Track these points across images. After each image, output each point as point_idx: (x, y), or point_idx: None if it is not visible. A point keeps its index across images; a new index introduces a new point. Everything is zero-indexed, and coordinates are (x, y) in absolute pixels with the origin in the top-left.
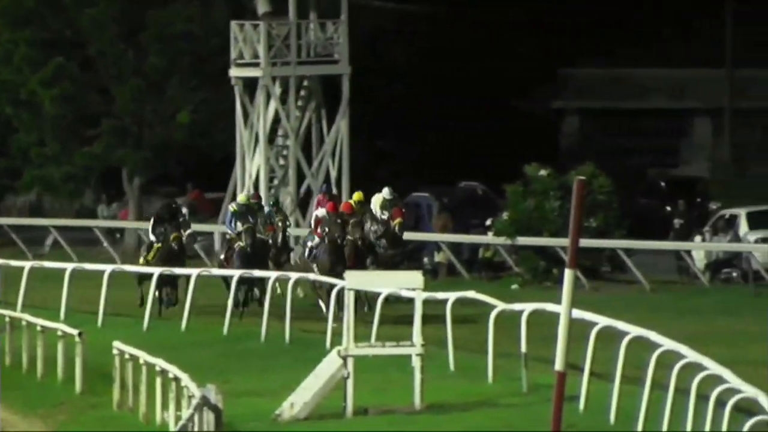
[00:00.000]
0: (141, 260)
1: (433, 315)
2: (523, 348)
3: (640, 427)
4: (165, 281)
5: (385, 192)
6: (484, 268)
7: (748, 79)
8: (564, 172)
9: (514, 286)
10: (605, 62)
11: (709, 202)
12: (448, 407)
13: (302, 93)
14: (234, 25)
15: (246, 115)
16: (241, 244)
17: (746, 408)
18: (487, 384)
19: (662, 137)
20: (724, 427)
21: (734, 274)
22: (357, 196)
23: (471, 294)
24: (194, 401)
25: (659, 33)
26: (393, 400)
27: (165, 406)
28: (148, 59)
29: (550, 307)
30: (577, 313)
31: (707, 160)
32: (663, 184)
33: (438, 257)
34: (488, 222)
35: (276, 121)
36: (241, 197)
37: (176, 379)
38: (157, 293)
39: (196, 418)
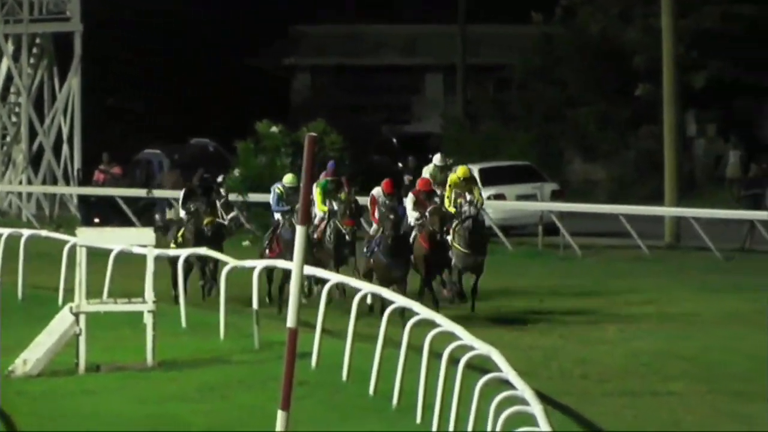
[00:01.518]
0: (172, 244)
1: (164, 272)
2: (255, 305)
3: (372, 384)
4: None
5: (437, 158)
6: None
7: (480, 35)
8: (295, 129)
9: (246, 243)
10: (337, 19)
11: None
12: (180, 363)
13: (35, 50)
14: None
15: None
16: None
17: (479, 365)
18: (219, 340)
19: (395, 94)
20: (457, 384)
21: None
22: (462, 171)
23: (202, 251)
24: None
25: None
26: (125, 356)
27: None
28: None
29: (281, 263)
30: (310, 269)
31: (440, 117)
32: (395, 140)
33: (169, 214)
34: (220, 179)
35: (9, 78)
36: (288, 177)
37: None
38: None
39: None
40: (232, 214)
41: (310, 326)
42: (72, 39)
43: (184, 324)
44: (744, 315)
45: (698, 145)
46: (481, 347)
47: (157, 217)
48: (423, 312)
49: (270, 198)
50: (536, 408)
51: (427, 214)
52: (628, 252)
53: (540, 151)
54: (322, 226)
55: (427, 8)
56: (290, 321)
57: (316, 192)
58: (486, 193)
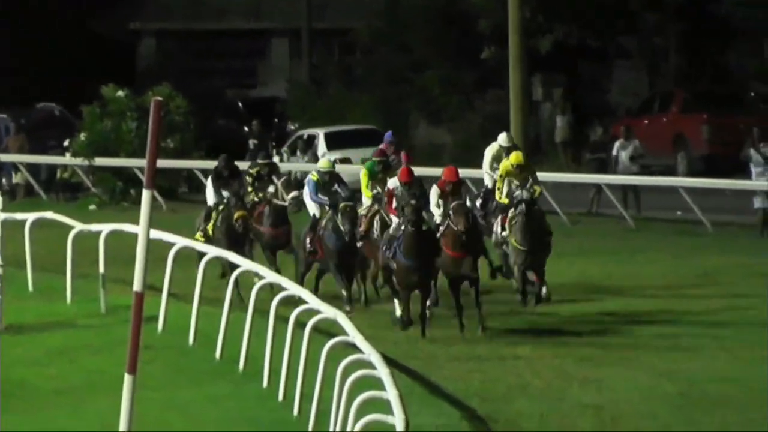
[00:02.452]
0: (198, 234)
1: (11, 236)
2: (102, 269)
3: (219, 348)
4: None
5: (502, 138)
6: (61, 188)
7: (324, 0)
8: (141, 94)
9: (92, 207)
10: None
11: (287, 123)
12: (27, 327)
13: None
14: None
15: None
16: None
17: (326, 329)
18: (66, 304)
19: (240, 58)
20: (304, 347)
21: None
22: (515, 157)
23: (49, 215)
24: None
25: None
26: None
27: None
28: None
29: (128, 227)
30: (155, 234)
31: (285, 81)
32: (240, 105)
33: (16, 178)
34: (66, 143)
35: None
36: (323, 162)
37: None
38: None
39: None
40: (293, 194)
41: (156, 290)
42: None
43: (31, 288)
44: (592, 278)
45: (544, 109)
46: (328, 311)
47: (3, 181)
48: (269, 276)
49: (306, 189)
50: (383, 371)
51: (450, 211)
52: None
53: (385, 115)
54: (369, 215)
55: None
56: (136, 285)
57: (362, 175)
58: (332, 156)
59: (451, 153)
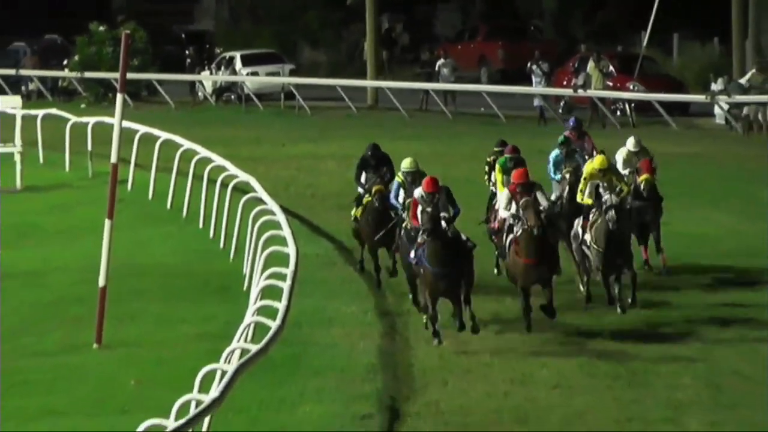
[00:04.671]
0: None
1: (28, 126)
2: (89, 147)
3: (169, 201)
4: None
5: (630, 143)
6: (62, 93)
7: None
8: (115, 28)
9: (83, 106)
10: None
11: (215, 48)
12: (38, 188)
13: None
14: None
15: None
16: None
17: (242, 188)
18: (65, 172)
19: (183, 2)
20: (227, 202)
21: (232, 97)
22: (600, 161)
23: (53, 111)
24: None
25: None
26: (3, 183)
27: None
28: None
29: (107, 119)
30: (125, 124)
31: (213, 18)
32: (183, 35)
33: (31, 86)
34: (65, 62)
35: None
36: (406, 162)
37: None
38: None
39: None
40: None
41: (126, 162)
42: None
43: (41, 161)
44: (421, 155)
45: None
46: (242, 175)
47: (23, 88)
48: (202, 152)
49: (392, 191)
50: (281, 217)
51: (520, 209)
52: (342, 111)
53: (280, 42)
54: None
55: None
56: (113, 158)
57: (496, 171)
58: (245, 71)
59: (326, 68)
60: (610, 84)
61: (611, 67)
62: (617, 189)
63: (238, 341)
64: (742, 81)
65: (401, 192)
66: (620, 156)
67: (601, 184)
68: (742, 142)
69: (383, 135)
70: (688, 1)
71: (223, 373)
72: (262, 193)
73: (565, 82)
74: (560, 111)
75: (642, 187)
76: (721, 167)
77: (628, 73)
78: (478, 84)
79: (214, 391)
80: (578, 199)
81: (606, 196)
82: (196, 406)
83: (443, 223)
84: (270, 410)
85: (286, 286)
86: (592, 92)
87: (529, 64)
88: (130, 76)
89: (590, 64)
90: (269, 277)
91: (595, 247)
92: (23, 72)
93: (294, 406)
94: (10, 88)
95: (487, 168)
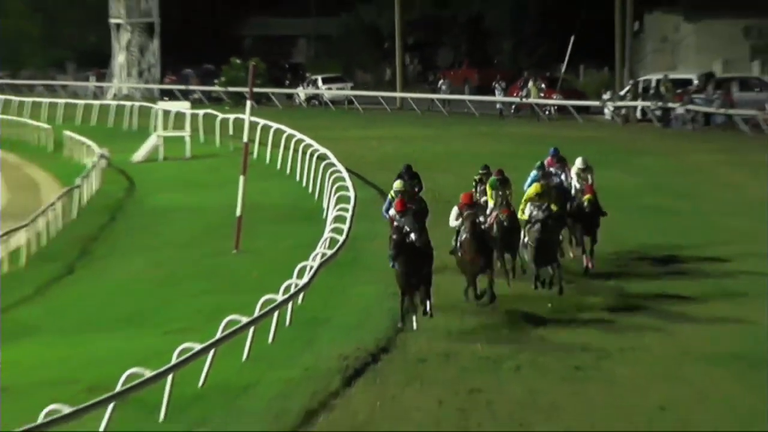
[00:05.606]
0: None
1: (195, 119)
2: (230, 132)
3: (278, 164)
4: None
5: (579, 162)
6: (214, 100)
7: None
8: (246, 61)
9: (227, 108)
10: None
11: (306, 73)
12: (200, 157)
13: None
14: None
15: None
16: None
17: (321, 156)
18: (216, 147)
19: (285, 45)
20: (313, 165)
21: (316, 103)
22: (535, 188)
23: (209, 111)
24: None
25: None
26: (177, 153)
27: None
28: None
29: (241, 116)
30: (252, 118)
31: (305, 55)
32: (286, 65)
33: (195, 96)
34: (216, 81)
35: None
36: (397, 183)
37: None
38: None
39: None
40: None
41: (252, 141)
42: None
43: (201, 141)
44: (431, 137)
45: None
46: (321, 149)
47: (190, 97)
48: (298, 135)
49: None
50: (345, 174)
51: (464, 221)
52: (381, 111)
53: (345, 70)
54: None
55: None
56: (245, 138)
57: (488, 187)
58: (323, 87)
59: (371, 85)
60: (542, 95)
61: (543, 85)
62: (544, 207)
63: (320, 248)
64: (621, 93)
65: (392, 206)
66: (574, 173)
67: (535, 204)
68: (621, 130)
69: (405, 125)
70: (590, 43)
71: (311, 267)
72: (333, 159)
73: (515, 94)
74: (512, 111)
75: (585, 204)
76: (609, 145)
77: (553, 88)
78: (463, 95)
79: (306, 278)
80: (518, 215)
81: (535, 213)
82: (295, 287)
83: (412, 236)
84: (336, 292)
85: (348, 215)
86: (531, 100)
87: (493, 83)
88: (255, 90)
89: (530, 83)
90: (338, 210)
91: (531, 245)
92: (191, 87)
93: (352, 287)
94: (183, 97)
95: (474, 183)
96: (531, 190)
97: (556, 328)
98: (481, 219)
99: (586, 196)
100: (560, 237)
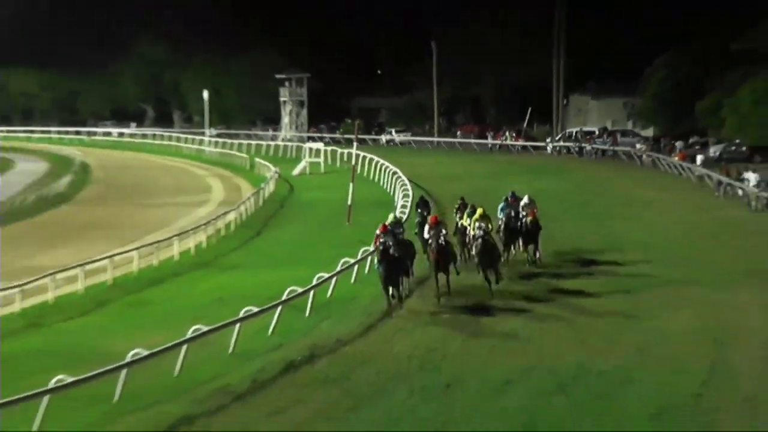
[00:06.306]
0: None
1: (324, 154)
2: (346, 160)
3: (371, 176)
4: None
5: (526, 198)
6: (335, 143)
7: None
8: (354, 121)
9: (343, 145)
10: None
11: (384, 126)
12: (326, 173)
13: None
14: None
15: None
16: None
17: (393, 172)
18: (336, 167)
19: (372, 117)
20: (389, 177)
21: (391, 143)
22: (479, 212)
23: (333, 147)
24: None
25: None
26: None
27: None
28: None
29: (352, 150)
30: (357, 151)
31: (385, 118)
32: (377, 124)
33: (325, 141)
34: (337, 132)
35: None
36: (390, 216)
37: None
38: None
39: None
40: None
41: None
42: None
43: (329, 164)
44: (451, 163)
45: None
46: (393, 167)
47: (321, 142)
48: (379, 159)
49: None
50: (407, 182)
51: (432, 234)
52: (425, 147)
53: (406, 124)
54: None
55: None
56: (353, 162)
57: (472, 218)
58: (396, 134)
59: (418, 133)
60: (513, 139)
61: (513, 134)
62: (486, 227)
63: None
64: (556, 138)
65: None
66: (524, 203)
67: (480, 224)
68: (556, 158)
69: (439, 156)
70: (539, 111)
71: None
72: (400, 173)
73: (499, 139)
74: (497, 148)
75: (528, 222)
76: (550, 166)
77: (519, 135)
78: (470, 139)
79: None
80: (470, 231)
81: (478, 232)
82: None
83: (391, 249)
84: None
85: (408, 204)
86: (507, 142)
87: (486, 133)
88: (358, 136)
89: (507, 133)
90: (403, 200)
91: (474, 255)
92: (324, 135)
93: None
94: (319, 140)
95: (455, 210)
96: (477, 213)
97: (488, 314)
98: (443, 233)
99: (530, 218)
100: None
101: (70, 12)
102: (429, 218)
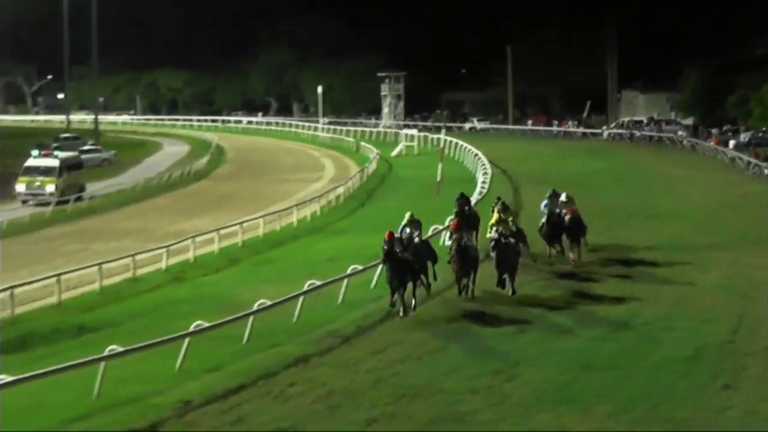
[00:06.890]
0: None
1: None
2: (436, 144)
3: (455, 156)
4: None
5: (563, 196)
6: (428, 130)
7: None
8: (442, 112)
9: (434, 132)
10: None
11: (468, 114)
12: (417, 155)
13: None
14: None
15: None
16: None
17: (475, 153)
18: (428, 149)
19: (456, 110)
20: (471, 156)
21: (472, 129)
22: (497, 217)
23: (424, 132)
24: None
25: None
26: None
27: None
28: None
29: (440, 136)
30: (445, 136)
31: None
32: (462, 113)
33: (415, 129)
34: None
35: None
36: (407, 214)
37: None
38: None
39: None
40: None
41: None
42: None
43: (422, 146)
44: (517, 147)
45: None
46: (475, 150)
47: (417, 127)
48: (461, 142)
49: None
50: (486, 162)
51: (454, 238)
52: (498, 134)
53: (485, 114)
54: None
55: None
56: (441, 145)
57: (494, 213)
58: (477, 122)
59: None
60: (576, 127)
61: (576, 123)
62: (500, 230)
63: (476, 195)
64: (611, 126)
65: (405, 229)
66: (561, 200)
67: (497, 227)
68: (610, 143)
69: (514, 141)
70: (595, 104)
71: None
72: (481, 155)
73: (563, 127)
74: (562, 135)
75: (567, 220)
76: (604, 149)
77: (580, 124)
78: (540, 127)
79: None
80: (486, 235)
81: (493, 234)
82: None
83: (396, 249)
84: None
85: (489, 178)
86: (570, 129)
87: (553, 122)
88: (447, 124)
89: (570, 123)
90: (483, 176)
91: (493, 257)
92: (417, 122)
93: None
94: (414, 127)
95: (492, 209)
96: (494, 217)
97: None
98: (465, 238)
99: (569, 216)
100: (519, 248)
101: (203, 19)
102: (451, 224)
